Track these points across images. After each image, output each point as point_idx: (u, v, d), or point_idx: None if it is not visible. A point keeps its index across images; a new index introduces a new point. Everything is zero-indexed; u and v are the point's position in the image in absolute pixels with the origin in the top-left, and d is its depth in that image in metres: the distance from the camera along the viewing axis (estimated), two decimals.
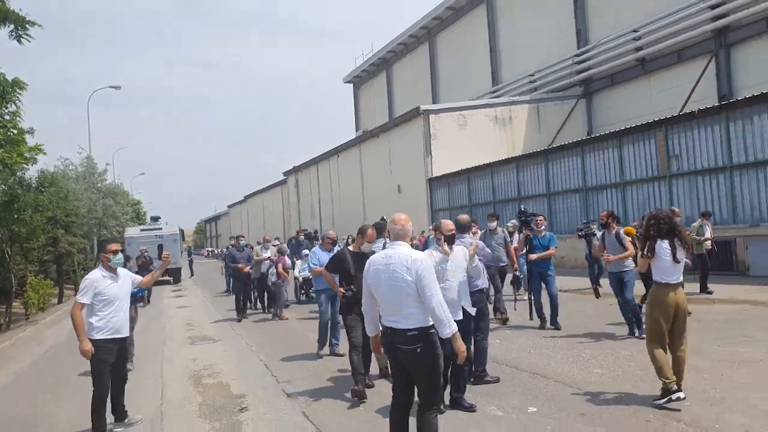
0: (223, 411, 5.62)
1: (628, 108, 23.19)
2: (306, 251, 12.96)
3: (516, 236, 10.92)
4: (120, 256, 5.25)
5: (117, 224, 29.04)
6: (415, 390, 3.71)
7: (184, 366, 7.85)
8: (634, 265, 7.32)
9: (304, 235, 17.90)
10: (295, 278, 13.84)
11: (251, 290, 13.71)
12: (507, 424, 4.71)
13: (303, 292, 14.71)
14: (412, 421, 3.70)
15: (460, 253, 5.18)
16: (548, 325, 8.47)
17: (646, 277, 6.15)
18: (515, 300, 9.34)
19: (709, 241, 10.57)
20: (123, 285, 5.25)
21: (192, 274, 29.85)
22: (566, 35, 26.03)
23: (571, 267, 16.31)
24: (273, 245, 13.57)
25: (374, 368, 6.31)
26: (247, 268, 12.42)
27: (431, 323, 3.56)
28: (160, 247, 22.51)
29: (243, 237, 14.34)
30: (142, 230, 26.51)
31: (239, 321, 11.77)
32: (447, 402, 5.06)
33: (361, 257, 5.59)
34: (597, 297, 10.72)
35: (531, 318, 8.94)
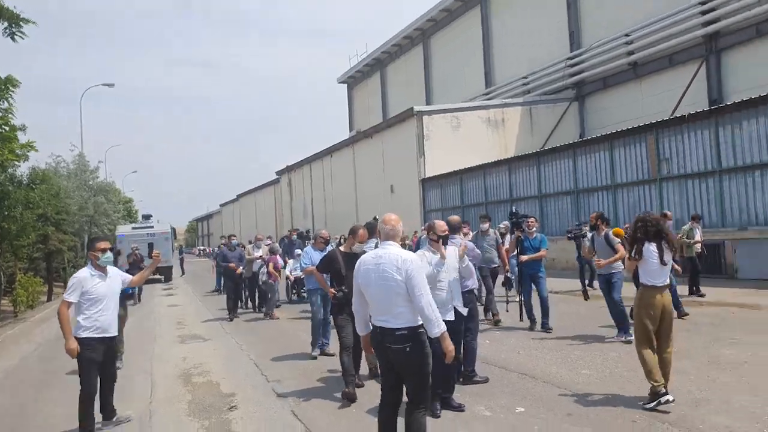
0: (212, 409, 5.62)
1: (620, 111, 23.38)
2: (298, 251, 12.96)
3: (508, 238, 10.96)
4: (109, 254, 5.20)
5: (108, 222, 28.91)
6: (404, 389, 3.74)
7: (174, 364, 7.83)
8: (623, 267, 7.39)
9: (297, 235, 17.91)
10: (287, 278, 13.83)
11: (242, 289, 13.69)
12: (495, 423, 4.75)
13: (294, 291, 14.71)
14: (401, 421, 3.73)
15: (452, 253, 5.21)
16: (538, 327, 8.51)
17: (636, 278, 6.21)
18: (507, 302, 9.39)
19: (699, 244, 10.68)
20: (111, 284, 5.21)
21: (183, 273, 29.76)
22: (559, 38, 26.19)
23: (562, 269, 16.40)
24: (265, 244, 13.56)
25: (364, 368, 6.33)
26: (240, 269, 12.41)
27: (420, 323, 3.59)
28: (151, 246, 22.40)
29: (235, 236, 14.33)
30: (133, 228, 26.39)
31: (230, 320, 11.75)
32: (440, 404, 5.07)
33: (352, 257, 5.59)
34: (586, 299, 10.78)
35: (521, 319, 9.00)
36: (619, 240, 7.35)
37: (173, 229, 28.87)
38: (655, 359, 4.87)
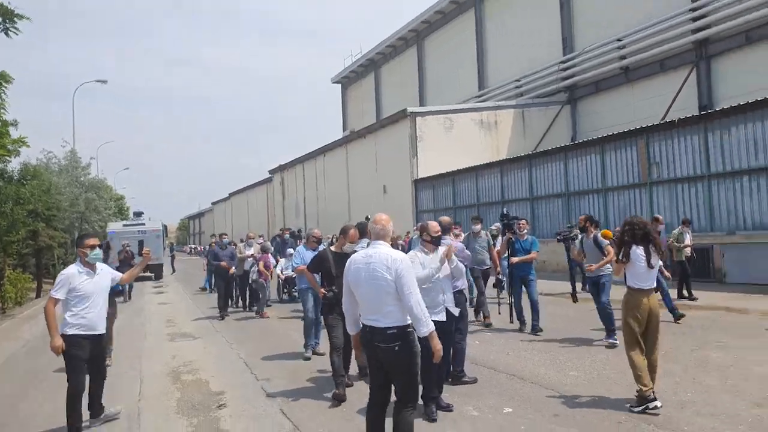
0: (201, 407, 5.62)
1: (611, 115, 23.55)
2: (291, 250, 12.95)
3: (499, 239, 11.00)
4: (97, 251, 5.15)
5: (99, 219, 28.72)
6: (392, 389, 3.76)
7: (164, 362, 7.81)
8: (611, 269, 7.44)
9: (290, 234, 17.89)
10: (278, 276, 13.81)
11: (233, 288, 13.65)
12: (483, 423, 4.78)
13: (285, 291, 14.70)
14: (389, 422, 3.75)
15: (441, 254, 5.24)
16: (527, 329, 8.54)
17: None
18: (499, 304, 9.42)
19: (689, 248, 10.79)
20: (100, 281, 5.17)
21: (173, 271, 29.61)
22: (552, 42, 26.34)
23: (553, 271, 16.49)
24: (257, 243, 13.54)
25: (353, 368, 6.35)
26: (232, 270, 12.39)
27: (410, 322, 3.63)
28: (141, 243, 22.28)
29: (226, 235, 14.29)
30: (124, 225, 26.25)
31: (222, 319, 11.71)
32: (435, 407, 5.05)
33: (343, 257, 5.56)
34: (574, 301, 10.85)
35: (511, 321, 9.04)
36: (608, 242, 7.39)
37: (164, 227, 28.74)
38: (645, 363, 4.91)
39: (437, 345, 3.67)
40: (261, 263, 12.20)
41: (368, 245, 4.97)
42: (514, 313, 8.89)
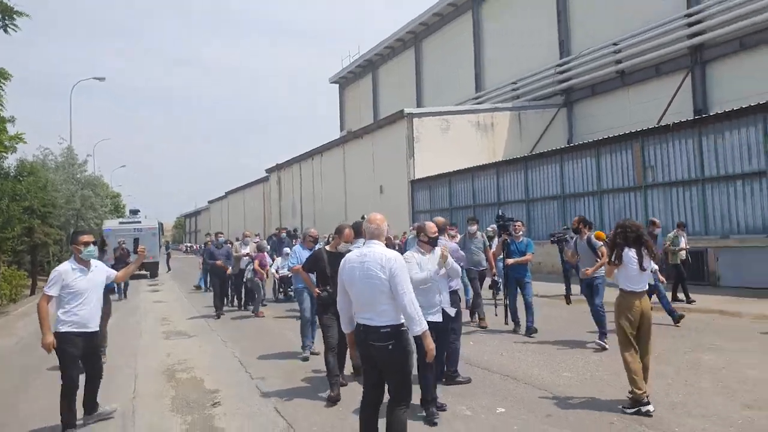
0: (195, 405, 5.64)
1: (607, 118, 23.66)
2: (287, 249, 12.95)
3: (495, 241, 11.03)
4: (92, 248, 5.14)
5: (95, 216, 28.65)
6: (386, 388, 3.79)
7: (159, 360, 7.82)
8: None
9: (286, 233, 17.89)
10: (273, 275, 13.81)
11: (228, 287, 13.65)
12: (476, 423, 4.81)
13: (281, 290, 14.70)
14: (382, 422, 3.78)
15: (436, 254, 5.27)
16: (521, 330, 8.57)
17: None
18: (495, 305, 9.43)
19: (684, 251, 10.85)
20: (94, 278, 5.16)
21: (169, 269, 29.55)
22: (549, 45, 26.43)
23: (548, 272, 16.55)
24: (253, 242, 13.54)
25: (348, 367, 6.37)
26: (229, 270, 12.38)
27: (403, 321, 3.65)
28: (136, 241, 22.25)
29: (222, 233, 14.28)
30: (120, 223, 26.20)
31: (218, 317, 11.72)
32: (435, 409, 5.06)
33: (338, 257, 5.57)
34: (568, 303, 10.91)
35: (506, 322, 9.06)
36: (601, 243, 7.41)
37: (160, 225, 28.67)
38: (640, 366, 4.94)
39: (430, 344, 3.70)
40: (257, 262, 12.21)
41: (363, 244, 4.99)
42: (509, 314, 8.92)
